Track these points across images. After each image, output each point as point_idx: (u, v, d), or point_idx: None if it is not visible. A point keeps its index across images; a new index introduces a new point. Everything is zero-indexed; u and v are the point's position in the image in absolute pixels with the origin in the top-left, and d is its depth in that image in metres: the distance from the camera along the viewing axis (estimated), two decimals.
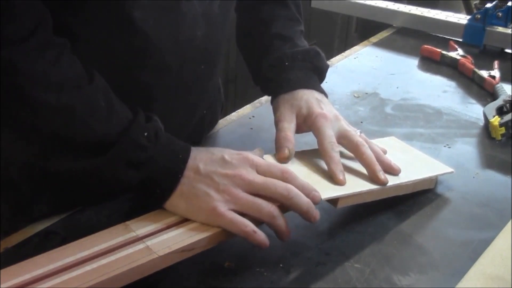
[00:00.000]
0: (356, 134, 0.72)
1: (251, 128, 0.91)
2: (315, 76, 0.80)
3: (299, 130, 0.75)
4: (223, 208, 0.59)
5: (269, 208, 0.61)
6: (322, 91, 0.79)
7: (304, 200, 0.62)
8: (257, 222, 0.61)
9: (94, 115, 0.58)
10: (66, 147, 0.59)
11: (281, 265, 0.62)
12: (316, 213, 0.63)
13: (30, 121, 0.57)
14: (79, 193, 0.68)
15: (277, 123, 0.75)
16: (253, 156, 0.64)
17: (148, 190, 0.61)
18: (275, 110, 0.77)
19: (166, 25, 0.64)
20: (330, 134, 0.71)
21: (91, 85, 0.59)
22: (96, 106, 0.59)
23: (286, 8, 0.85)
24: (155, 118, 0.63)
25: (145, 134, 0.60)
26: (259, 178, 0.62)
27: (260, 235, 0.60)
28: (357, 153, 0.71)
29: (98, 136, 0.58)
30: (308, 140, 0.74)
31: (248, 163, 0.63)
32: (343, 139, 0.72)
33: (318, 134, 0.71)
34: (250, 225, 0.59)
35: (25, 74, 0.54)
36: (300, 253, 0.64)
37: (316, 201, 0.63)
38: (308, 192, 0.63)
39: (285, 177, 0.63)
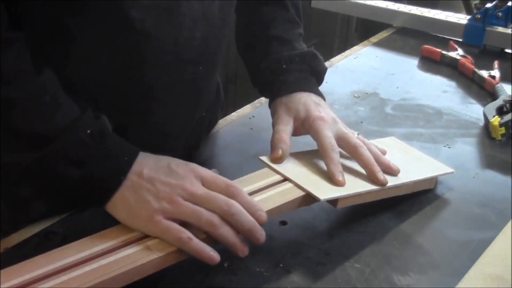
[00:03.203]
0: (354, 136, 0.73)
1: (251, 128, 0.91)
2: (313, 79, 0.81)
3: (297, 132, 0.75)
4: (160, 216, 0.57)
5: (209, 216, 0.58)
6: (320, 94, 0.79)
7: (246, 218, 0.59)
8: (213, 241, 0.58)
9: (36, 110, 0.57)
10: (9, 140, 0.58)
11: (281, 265, 0.62)
12: (260, 234, 0.59)
13: None
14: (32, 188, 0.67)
15: (273, 125, 0.75)
16: (200, 168, 0.62)
17: (88, 189, 0.59)
18: (273, 113, 0.78)
19: (165, 25, 0.64)
20: (329, 135, 0.71)
21: (37, 80, 0.58)
22: (39, 101, 0.58)
23: (286, 10, 0.85)
24: (103, 117, 0.61)
25: (88, 131, 0.59)
26: (201, 190, 0.60)
27: (198, 243, 0.57)
28: (355, 154, 0.71)
29: (39, 130, 0.57)
30: (308, 141, 0.74)
31: (193, 174, 0.61)
32: (341, 141, 0.72)
33: (317, 136, 0.72)
34: (186, 232, 0.56)
35: None
36: (300, 253, 0.64)
37: (261, 221, 0.60)
38: (253, 211, 0.60)
39: (230, 191, 0.60)
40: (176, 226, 0.57)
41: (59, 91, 0.60)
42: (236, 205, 0.59)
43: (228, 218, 0.58)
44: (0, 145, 0.58)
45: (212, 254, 0.57)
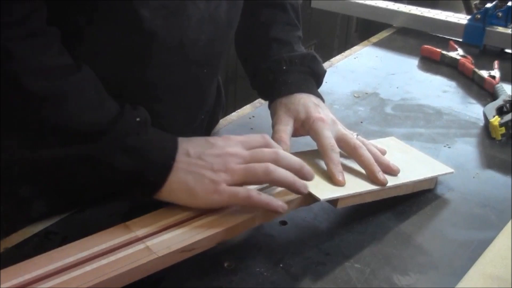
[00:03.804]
0: (353, 137, 0.73)
1: (251, 128, 0.91)
2: (312, 80, 0.81)
3: (296, 133, 0.75)
4: (223, 185, 0.60)
5: (263, 166, 0.61)
6: (319, 96, 0.80)
7: (292, 158, 0.64)
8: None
9: (85, 102, 0.58)
10: (57, 134, 0.58)
11: (281, 265, 0.62)
12: (308, 170, 0.64)
13: (20, 108, 0.57)
14: (70, 185, 0.67)
15: (273, 126, 0.76)
16: (231, 136, 0.66)
17: (143, 178, 0.60)
18: (273, 114, 0.78)
19: (172, 26, 0.64)
20: (329, 135, 0.71)
21: (80, 74, 0.59)
22: (86, 94, 0.59)
23: (285, 13, 0.85)
24: (141, 107, 0.62)
25: (137, 119, 0.60)
26: (246, 151, 0.63)
27: (267, 196, 0.61)
28: (355, 155, 0.71)
29: (90, 122, 0.58)
30: (308, 141, 0.74)
31: (231, 141, 0.64)
32: (341, 142, 0.72)
33: (317, 136, 0.72)
34: (253, 190, 0.61)
35: (17, 60, 0.54)
36: (300, 253, 0.64)
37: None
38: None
39: (268, 142, 0.65)
40: (241, 188, 0.61)
41: (100, 84, 0.61)
42: (280, 151, 0.64)
43: (278, 164, 0.62)
44: (48, 141, 0.58)
45: (282, 203, 0.61)
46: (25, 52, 0.55)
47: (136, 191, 0.61)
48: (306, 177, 0.64)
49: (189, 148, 0.62)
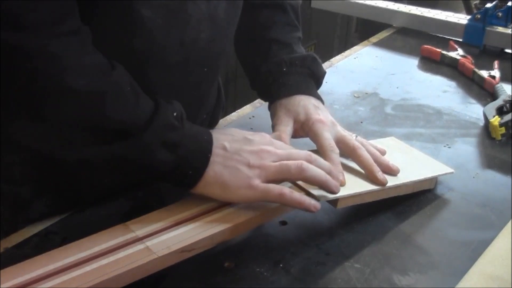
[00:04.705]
0: (352, 138, 0.73)
1: (251, 128, 0.91)
2: (312, 82, 0.81)
3: (296, 135, 0.76)
4: (257, 181, 0.61)
5: (297, 163, 0.62)
6: (319, 98, 0.80)
7: (323, 161, 0.66)
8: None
9: (123, 100, 0.59)
10: (93, 133, 0.58)
11: (281, 265, 0.62)
12: (338, 170, 0.67)
13: (54, 108, 0.56)
14: (89, 186, 0.68)
15: (273, 126, 0.76)
16: (268, 135, 0.68)
17: (181, 172, 0.61)
18: (273, 115, 0.78)
19: (172, 25, 0.65)
20: (328, 137, 0.72)
21: (116, 71, 0.59)
22: (124, 91, 0.59)
23: (285, 14, 0.85)
24: (176, 102, 0.63)
25: (174, 114, 0.61)
26: (281, 150, 0.65)
27: (300, 195, 0.62)
28: (354, 156, 0.72)
29: (129, 119, 0.58)
30: (308, 141, 0.74)
31: (267, 139, 0.66)
32: (340, 143, 0.73)
33: (316, 137, 0.72)
34: (285, 188, 0.62)
35: (59, 58, 0.54)
36: (300, 253, 0.64)
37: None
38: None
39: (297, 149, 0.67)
40: (275, 185, 0.62)
41: (134, 82, 0.61)
42: (312, 153, 0.66)
43: (313, 163, 0.64)
44: (82, 141, 0.59)
45: (314, 202, 0.63)
46: (65, 50, 0.55)
47: (173, 184, 0.62)
48: (337, 178, 0.65)
49: (225, 143, 0.63)
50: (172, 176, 0.61)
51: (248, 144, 0.64)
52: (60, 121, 0.57)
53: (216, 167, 0.62)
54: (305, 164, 0.63)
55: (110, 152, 0.59)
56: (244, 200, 0.62)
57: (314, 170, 0.63)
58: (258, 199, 0.62)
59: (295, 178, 0.63)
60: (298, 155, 0.65)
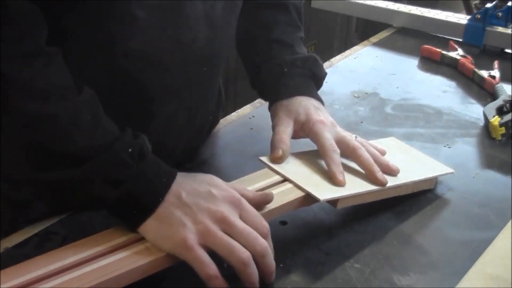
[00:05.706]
0: (352, 138, 0.73)
1: (251, 128, 0.91)
2: (313, 83, 0.81)
3: (296, 136, 0.76)
4: (194, 241, 0.56)
5: (241, 254, 0.56)
6: (319, 99, 0.80)
7: (272, 262, 0.58)
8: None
9: (77, 127, 0.57)
10: (49, 156, 0.57)
11: (281, 265, 0.62)
12: (272, 277, 0.59)
13: (6, 127, 0.56)
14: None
15: (274, 127, 0.76)
16: (242, 199, 0.60)
17: (125, 210, 0.58)
18: (273, 115, 0.78)
19: (168, 25, 0.64)
20: (329, 136, 0.72)
21: (78, 97, 0.58)
22: (80, 118, 0.57)
23: (287, 14, 0.85)
24: (142, 136, 0.60)
25: (129, 150, 0.58)
26: (240, 224, 0.58)
27: (221, 284, 0.55)
28: (354, 156, 0.72)
29: (79, 148, 0.57)
30: (308, 141, 0.75)
31: (234, 204, 0.59)
32: (340, 143, 0.73)
33: (317, 138, 0.72)
34: (215, 270, 0.55)
35: (10, 80, 0.54)
36: (300, 253, 0.64)
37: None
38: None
39: (264, 232, 0.59)
40: (206, 258, 0.55)
41: (100, 110, 0.60)
42: (268, 249, 0.58)
43: (257, 259, 0.57)
44: (43, 162, 0.58)
45: None
46: (17, 72, 0.54)
47: (120, 219, 0.59)
48: (269, 279, 0.58)
49: (183, 191, 0.59)
50: (116, 211, 0.59)
51: (207, 201, 0.58)
52: (13, 140, 0.57)
53: (161, 212, 0.57)
54: (247, 261, 0.56)
55: (56, 177, 0.57)
56: (172, 253, 0.56)
57: (250, 271, 0.56)
58: (184, 260, 0.56)
59: (231, 264, 0.56)
60: (253, 242, 0.57)
